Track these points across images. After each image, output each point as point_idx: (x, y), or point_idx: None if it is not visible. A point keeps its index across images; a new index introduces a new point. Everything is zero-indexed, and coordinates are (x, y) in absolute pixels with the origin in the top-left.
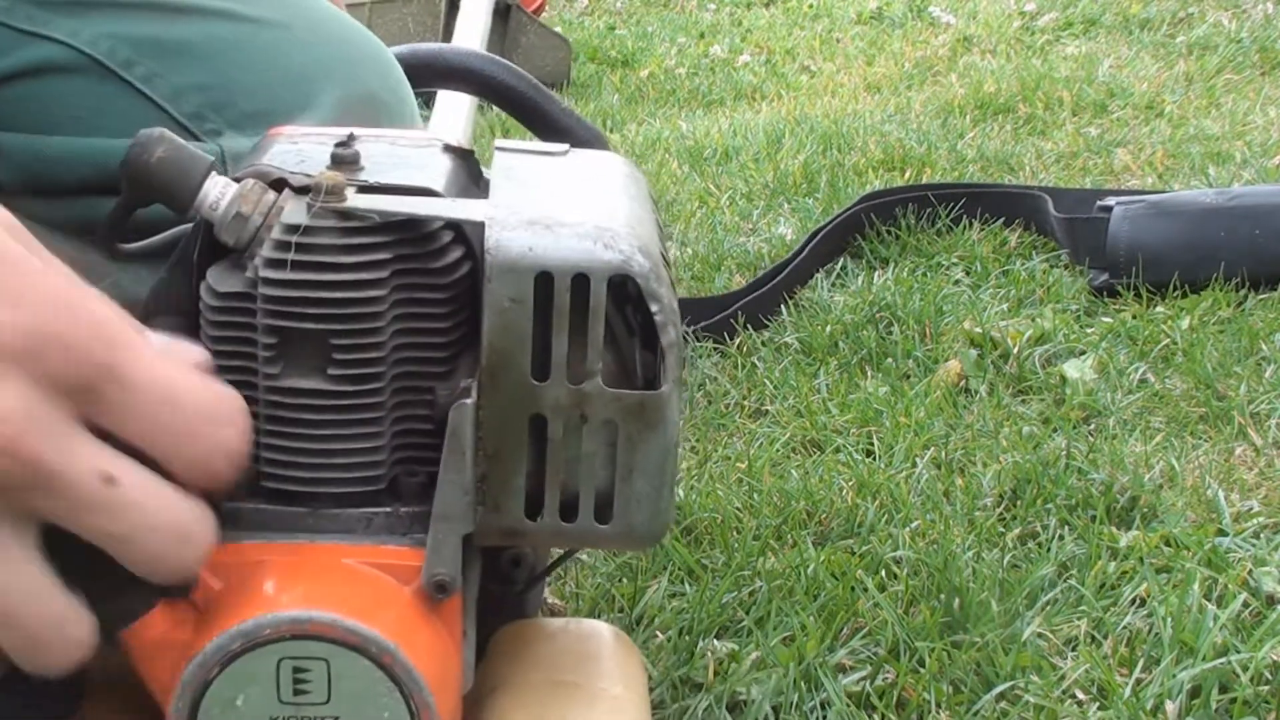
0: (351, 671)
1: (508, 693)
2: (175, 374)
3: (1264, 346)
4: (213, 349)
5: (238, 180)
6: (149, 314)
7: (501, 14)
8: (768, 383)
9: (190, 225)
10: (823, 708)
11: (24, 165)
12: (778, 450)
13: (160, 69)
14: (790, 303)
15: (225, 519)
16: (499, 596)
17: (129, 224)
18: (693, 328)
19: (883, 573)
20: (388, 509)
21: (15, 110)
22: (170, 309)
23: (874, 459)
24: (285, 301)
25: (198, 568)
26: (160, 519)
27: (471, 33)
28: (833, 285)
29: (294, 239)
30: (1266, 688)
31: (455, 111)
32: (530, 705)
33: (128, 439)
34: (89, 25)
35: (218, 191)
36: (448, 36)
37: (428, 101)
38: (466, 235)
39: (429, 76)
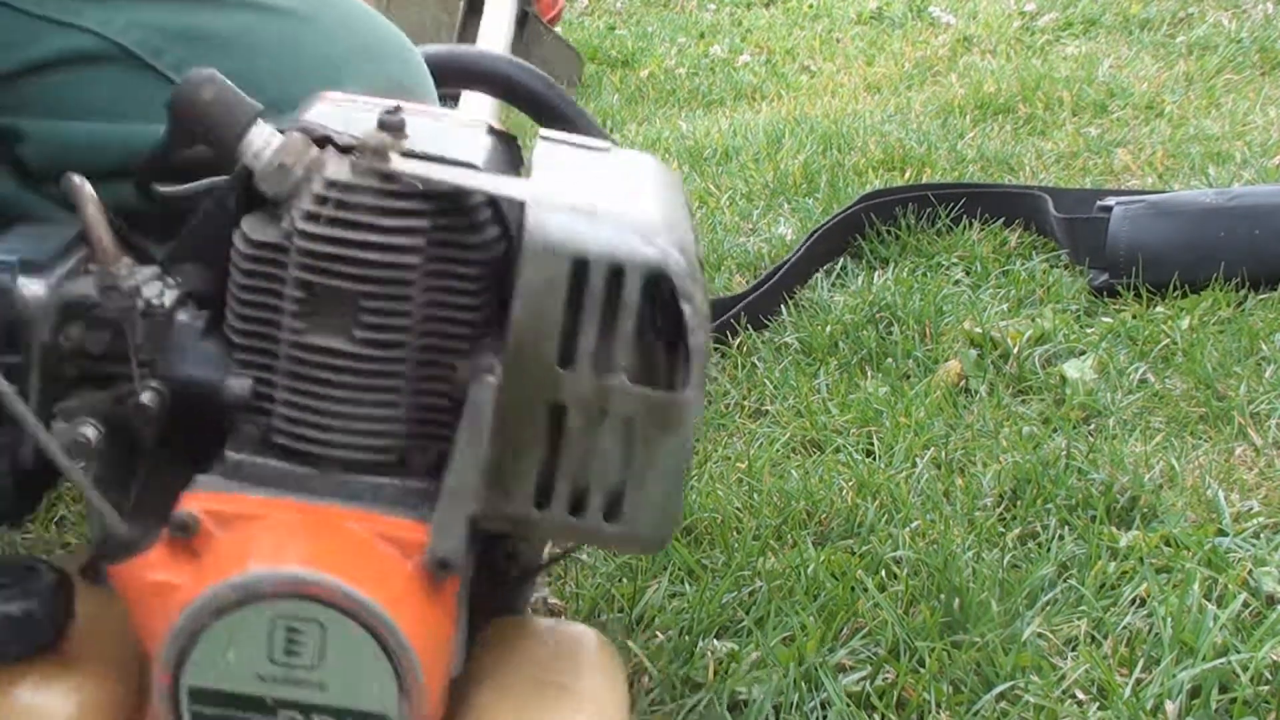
0: (345, 638)
1: (493, 688)
2: None
3: (1264, 346)
4: (239, 298)
5: (283, 133)
6: (176, 260)
7: (519, 21)
8: (768, 383)
9: (226, 177)
10: (823, 708)
11: (52, 152)
12: (778, 450)
13: (188, 57)
14: (790, 303)
15: (231, 470)
16: (489, 590)
17: (171, 164)
18: None
19: (883, 573)
20: (397, 480)
21: (46, 97)
22: (198, 257)
23: (874, 459)
24: (319, 257)
25: None
26: None
27: (495, 39)
28: (833, 285)
29: (334, 194)
30: (1266, 688)
31: (479, 111)
32: (514, 701)
33: None
34: (120, 14)
35: (262, 140)
36: (464, 35)
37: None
38: (504, 215)
39: (446, 78)
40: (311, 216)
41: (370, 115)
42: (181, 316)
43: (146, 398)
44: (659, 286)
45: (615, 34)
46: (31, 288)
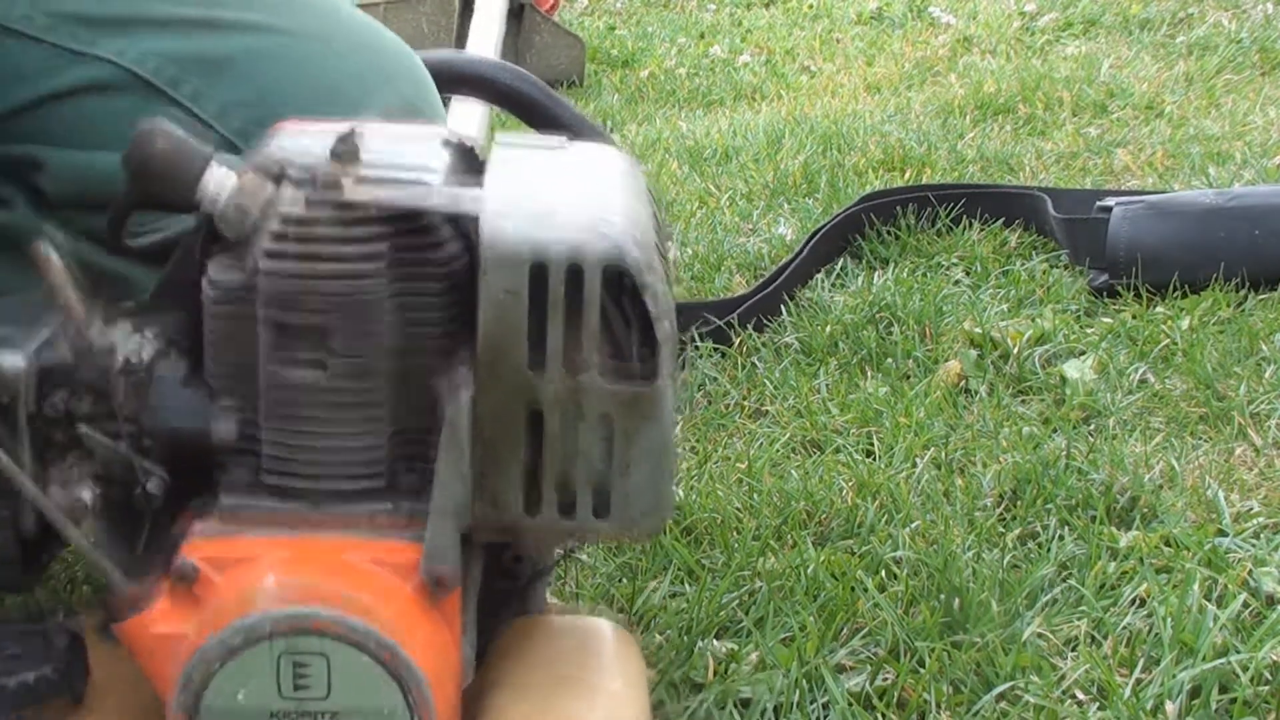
0: (351, 667)
1: (510, 688)
2: None
3: (1264, 346)
4: (214, 341)
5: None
6: (154, 309)
7: (515, 14)
8: (768, 383)
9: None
10: (824, 709)
11: (69, 181)
12: (778, 450)
13: (206, 86)
14: (790, 303)
15: (226, 514)
16: (503, 593)
17: (135, 219)
18: (703, 330)
19: (883, 573)
20: (388, 505)
21: (63, 127)
22: (175, 304)
23: (874, 459)
24: (284, 293)
25: None
26: None
27: (486, 35)
28: (833, 285)
29: (292, 230)
30: (1266, 688)
31: (469, 117)
32: (532, 700)
33: None
34: (135, 43)
35: (217, 183)
36: (462, 36)
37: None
38: (465, 228)
39: (440, 84)
40: (273, 254)
41: (326, 143)
42: (161, 368)
43: (152, 485)
44: (622, 281)
45: (615, 34)
46: (10, 360)
